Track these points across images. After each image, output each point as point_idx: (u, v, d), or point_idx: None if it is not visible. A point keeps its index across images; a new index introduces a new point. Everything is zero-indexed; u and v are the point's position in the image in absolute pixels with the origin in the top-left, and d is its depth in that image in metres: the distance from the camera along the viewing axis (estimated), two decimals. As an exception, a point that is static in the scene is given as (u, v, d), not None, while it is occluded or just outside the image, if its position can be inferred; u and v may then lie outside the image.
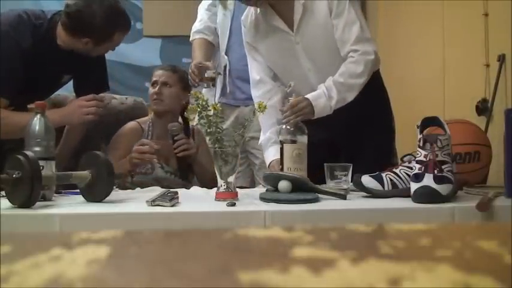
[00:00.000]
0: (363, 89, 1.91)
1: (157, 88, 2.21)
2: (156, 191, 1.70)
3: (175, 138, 2.13)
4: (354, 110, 1.93)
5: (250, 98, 2.16)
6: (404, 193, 1.54)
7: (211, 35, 2.48)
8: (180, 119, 2.25)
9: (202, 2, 2.56)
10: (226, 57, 2.41)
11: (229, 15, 2.40)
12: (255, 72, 2.08)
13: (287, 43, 1.97)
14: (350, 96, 1.89)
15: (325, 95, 1.86)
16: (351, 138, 2.01)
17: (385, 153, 2.06)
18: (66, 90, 2.31)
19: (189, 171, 2.23)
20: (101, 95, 2.10)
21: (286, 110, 1.80)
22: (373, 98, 2.00)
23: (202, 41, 2.46)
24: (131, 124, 2.26)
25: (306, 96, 1.87)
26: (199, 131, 2.28)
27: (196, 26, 2.50)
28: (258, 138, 2.23)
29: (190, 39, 2.52)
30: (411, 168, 1.57)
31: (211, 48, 2.48)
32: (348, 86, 1.88)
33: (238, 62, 2.36)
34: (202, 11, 2.53)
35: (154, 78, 2.26)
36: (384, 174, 1.61)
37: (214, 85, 2.30)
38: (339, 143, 2.03)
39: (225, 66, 2.42)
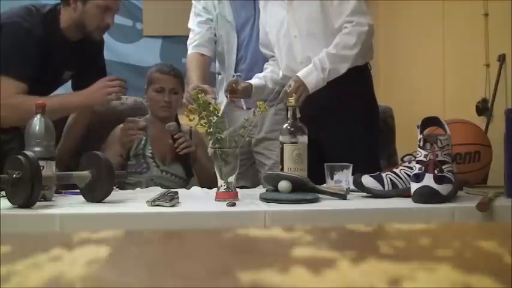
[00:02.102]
0: (348, 85, 1.93)
1: (166, 97, 2.19)
2: (156, 191, 1.69)
3: (175, 137, 2.13)
4: (338, 105, 1.97)
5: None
6: (405, 193, 1.54)
7: (210, 48, 2.33)
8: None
9: (192, 19, 2.36)
10: (237, 73, 2.32)
11: (233, 29, 2.31)
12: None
13: (283, 11, 2.06)
14: (343, 68, 1.93)
15: (317, 69, 1.90)
16: (332, 134, 2.01)
17: (367, 151, 2.05)
18: (67, 90, 2.32)
19: (189, 169, 2.22)
20: None
21: (287, 96, 1.81)
22: (358, 94, 2.04)
23: (197, 57, 2.30)
24: None
25: (296, 74, 1.91)
26: (197, 132, 2.27)
27: (195, 39, 2.32)
28: (270, 139, 2.22)
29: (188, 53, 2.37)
30: (411, 168, 1.57)
31: (207, 64, 2.35)
32: (340, 58, 1.92)
33: (248, 73, 2.30)
34: (194, 26, 2.34)
35: (160, 85, 2.20)
36: (384, 174, 1.61)
37: None
38: (321, 138, 2.03)
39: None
